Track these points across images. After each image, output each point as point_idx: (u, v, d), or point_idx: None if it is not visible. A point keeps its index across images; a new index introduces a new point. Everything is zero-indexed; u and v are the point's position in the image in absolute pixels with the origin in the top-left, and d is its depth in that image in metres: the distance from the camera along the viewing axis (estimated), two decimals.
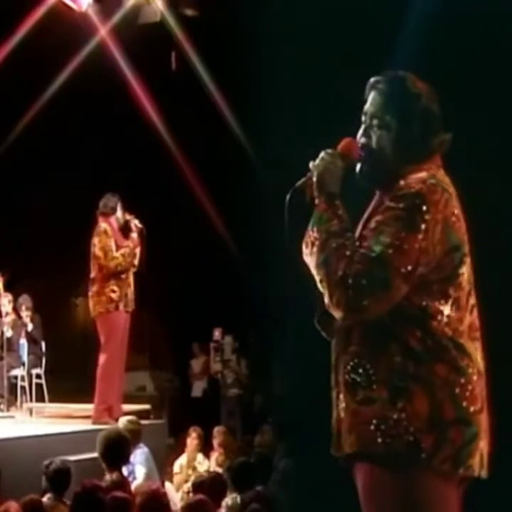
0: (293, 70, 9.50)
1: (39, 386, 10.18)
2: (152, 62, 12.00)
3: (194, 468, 9.10)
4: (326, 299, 2.58)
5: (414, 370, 2.53)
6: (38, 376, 10.23)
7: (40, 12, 10.81)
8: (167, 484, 8.22)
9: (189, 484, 8.05)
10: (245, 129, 12.29)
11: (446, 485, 2.57)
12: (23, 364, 10.07)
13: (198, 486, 6.14)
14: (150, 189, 13.00)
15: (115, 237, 8.55)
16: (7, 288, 10.26)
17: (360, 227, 2.76)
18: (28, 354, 10.14)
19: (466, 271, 2.65)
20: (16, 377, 10.00)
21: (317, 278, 2.60)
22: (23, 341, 10.12)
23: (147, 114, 12.37)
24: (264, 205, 10.83)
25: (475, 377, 2.60)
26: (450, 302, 2.59)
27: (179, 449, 9.58)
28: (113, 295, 8.44)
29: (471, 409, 2.57)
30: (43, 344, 10.38)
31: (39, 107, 11.94)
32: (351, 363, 2.62)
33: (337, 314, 2.57)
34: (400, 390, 2.53)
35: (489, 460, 2.66)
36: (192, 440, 9.29)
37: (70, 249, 8.98)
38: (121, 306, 8.48)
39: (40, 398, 10.18)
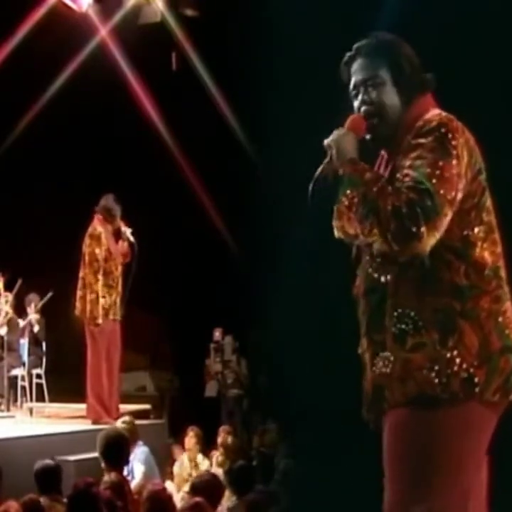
0: (292, 69, 9.52)
1: (39, 386, 10.18)
2: (152, 62, 12.01)
3: (194, 468, 9.09)
4: (381, 242, 2.60)
5: (461, 306, 2.61)
6: (39, 376, 10.22)
7: (40, 12, 10.81)
8: (168, 484, 8.22)
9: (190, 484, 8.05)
10: (245, 129, 12.30)
11: (493, 412, 2.67)
12: (24, 364, 10.07)
13: (195, 489, 6.12)
14: (150, 189, 12.99)
15: (108, 244, 8.53)
16: (7, 288, 10.25)
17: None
18: (29, 354, 10.14)
19: (488, 195, 2.76)
20: (16, 377, 9.99)
21: (367, 230, 2.62)
22: (24, 341, 10.11)
23: (147, 114, 12.38)
24: (265, 205, 10.88)
25: (509, 303, 2.71)
26: (486, 227, 2.71)
27: (179, 449, 9.58)
28: (103, 302, 8.42)
29: None
30: (44, 344, 10.38)
31: (39, 107, 11.93)
32: (395, 314, 2.66)
33: (395, 249, 2.57)
34: (449, 329, 2.59)
35: None
36: (190, 440, 9.28)
37: (70, 250, 8.96)
38: (110, 315, 8.46)
39: (40, 398, 10.17)
